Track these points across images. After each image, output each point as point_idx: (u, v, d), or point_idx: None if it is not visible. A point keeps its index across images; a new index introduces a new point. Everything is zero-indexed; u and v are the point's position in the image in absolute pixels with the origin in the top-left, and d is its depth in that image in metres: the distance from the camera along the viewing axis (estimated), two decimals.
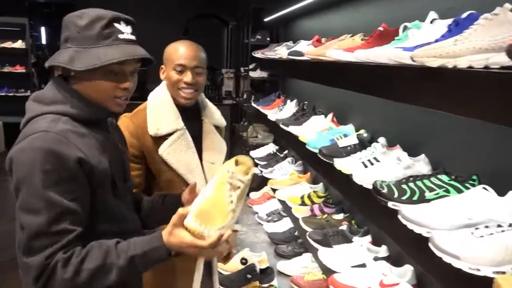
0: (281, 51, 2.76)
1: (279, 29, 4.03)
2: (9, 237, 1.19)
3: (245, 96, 4.42)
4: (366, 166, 1.64)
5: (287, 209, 2.70)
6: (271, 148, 3.69)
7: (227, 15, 6.15)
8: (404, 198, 1.29)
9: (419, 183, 1.30)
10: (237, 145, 4.94)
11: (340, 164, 1.70)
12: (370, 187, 1.47)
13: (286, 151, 3.55)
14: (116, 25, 1.05)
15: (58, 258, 0.94)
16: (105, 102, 1.10)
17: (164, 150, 1.54)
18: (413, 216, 1.16)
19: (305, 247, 2.83)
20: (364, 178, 1.52)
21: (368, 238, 1.97)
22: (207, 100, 1.75)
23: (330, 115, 2.27)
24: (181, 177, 1.57)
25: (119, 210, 1.16)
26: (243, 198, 1.18)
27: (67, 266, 0.94)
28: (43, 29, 10.73)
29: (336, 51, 1.75)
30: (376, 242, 1.97)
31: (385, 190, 1.34)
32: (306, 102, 2.81)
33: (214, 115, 1.71)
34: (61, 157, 0.96)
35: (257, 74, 4.16)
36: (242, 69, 4.68)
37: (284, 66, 2.87)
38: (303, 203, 2.57)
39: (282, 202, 2.82)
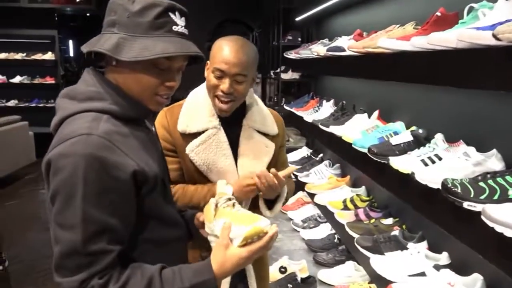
0: (317, 49, 2.64)
1: (311, 28, 3.91)
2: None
3: (275, 100, 4.31)
4: (426, 164, 1.49)
5: (327, 214, 2.56)
6: (304, 151, 3.56)
7: (252, 20, 6.09)
8: (482, 197, 1.14)
9: (500, 180, 1.14)
10: None
11: (397, 162, 1.56)
12: (436, 186, 1.32)
13: (321, 154, 3.41)
14: (171, 15, 0.93)
15: (93, 284, 0.81)
16: (144, 99, 0.97)
17: (191, 150, 1.40)
18: (501, 216, 1.01)
19: (347, 255, 2.68)
20: (428, 176, 1.38)
21: (425, 244, 1.81)
22: (256, 103, 1.52)
23: (376, 113, 2.12)
24: (210, 181, 1.43)
25: (170, 214, 1.04)
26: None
27: None
28: (70, 42, 11.00)
29: (390, 40, 1.61)
30: (433, 249, 1.80)
31: (458, 189, 1.19)
32: (344, 102, 2.67)
33: (258, 120, 1.48)
34: (106, 165, 0.84)
35: (289, 76, 4.04)
36: (271, 72, 4.57)
37: (321, 64, 2.75)
38: (345, 208, 2.42)
39: (322, 207, 2.67)
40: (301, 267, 2.49)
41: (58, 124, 0.93)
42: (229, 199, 1.08)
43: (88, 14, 8.35)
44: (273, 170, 1.33)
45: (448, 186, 1.22)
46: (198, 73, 1.56)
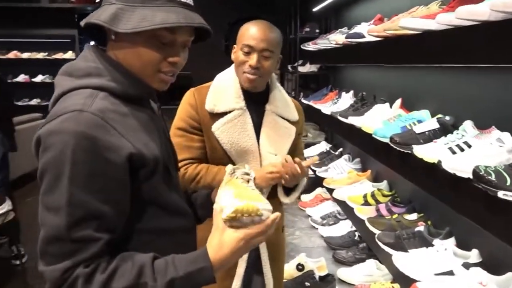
0: (336, 37, 2.53)
1: (329, 19, 3.78)
2: None
3: (293, 94, 4.20)
4: (454, 152, 1.37)
5: (347, 210, 2.44)
6: (323, 146, 3.44)
7: (268, 16, 5.99)
8: None
9: None
10: None
11: (421, 151, 1.44)
12: (466, 175, 1.20)
13: (341, 149, 3.28)
14: None
15: (78, 273, 0.73)
16: (146, 76, 0.89)
17: (218, 128, 1.44)
18: None
19: (368, 253, 2.56)
20: (456, 164, 1.25)
21: (452, 240, 1.68)
22: (278, 90, 1.57)
23: (399, 101, 2.00)
24: (232, 161, 1.46)
25: (175, 202, 0.95)
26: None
27: (90, 284, 0.73)
28: (91, 42, 11.14)
29: (413, 19, 1.50)
30: (462, 245, 1.67)
31: (492, 177, 1.07)
32: (364, 93, 2.54)
33: (280, 105, 1.54)
34: (98, 146, 0.76)
35: (306, 68, 3.92)
36: (289, 66, 4.46)
37: (340, 53, 2.63)
38: (366, 203, 2.30)
39: (341, 203, 2.56)
40: (319, 265, 2.39)
41: (54, 102, 0.86)
42: (247, 174, 1.01)
43: None
44: (297, 159, 1.37)
45: (481, 174, 1.10)
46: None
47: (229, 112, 1.45)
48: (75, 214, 0.74)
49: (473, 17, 1.16)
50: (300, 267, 2.37)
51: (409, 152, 1.52)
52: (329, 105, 2.88)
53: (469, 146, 1.35)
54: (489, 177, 1.07)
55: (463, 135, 1.39)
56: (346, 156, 2.99)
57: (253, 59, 1.41)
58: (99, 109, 0.79)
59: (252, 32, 1.42)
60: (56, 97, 0.86)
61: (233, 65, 1.52)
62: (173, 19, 0.82)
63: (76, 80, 0.86)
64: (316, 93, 3.43)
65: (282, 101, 1.57)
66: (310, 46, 3.19)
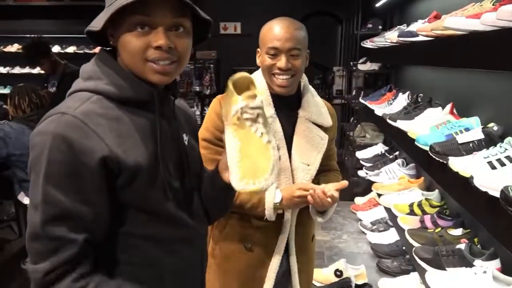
0: (391, 36, 2.39)
1: (393, 14, 3.58)
2: None
3: (354, 93, 4.06)
4: (494, 168, 1.23)
5: (393, 218, 2.31)
6: (379, 148, 3.29)
7: (341, 11, 5.82)
8: None
9: None
10: (344, 146, 4.60)
11: (457, 163, 1.32)
12: (497, 194, 1.08)
13: (397, 152, 3.12)
14: None
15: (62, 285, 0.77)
16: (139, 69, 0.86)
17: None
18: None
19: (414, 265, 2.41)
20: (491, 182, 1.13)
21: (496, 263, 1.53)
22: (311, 93, 1.47)
23: (449, 106, 1.84)
24: None
25: (170, 212, 0.92)
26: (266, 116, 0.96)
27: None
28: None
29: (456, 19, 1.37)
30: (507, 270, 1.51)
31: None
32: (421, 94, 2.38)
33: (313, 111, 1.44)
34: (73, 147, 0.77)
35: (367, 67, 3.76)
36: (351, 63, 4.31)
37: (395, 52, 2.49)
38: (411, 212, 2.17)
39: (388, 210, 2.43)
40: (358, 273, 2.31)
41: None
42: (258, 108, 0.92)
43: None
44: (328, 189, 1.27)
45: (509, 195, 0.98)
46: None
47: None
48: (50, 211, 0.77)
49: None
50: (338, 273, 2.31)
51: (445, 162, 1.40)
52: (383, 106, 2.74)
53: None
54: None
55: (506, 149, 1.25)
56: (399, 161, 2.83)
57: (282, 61, 1.31)
58: (83, 112, 0.81)
59: (275, 32, 1.32)
60: (67, 97, 0.90)
61: (259, 70, 1.43)
62: None
63: (82, 82, 0.89)
64: (375, 93, 3.28)
65: (315, 106, 1.46)
66: (367, 44, 3.05)
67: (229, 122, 0.94)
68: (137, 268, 0.90)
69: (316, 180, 1.45)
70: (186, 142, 1.01)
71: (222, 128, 1.27)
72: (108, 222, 0.84)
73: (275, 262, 1.42)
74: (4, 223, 3.66)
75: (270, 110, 1.38)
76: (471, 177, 1.19)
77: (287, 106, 1.42)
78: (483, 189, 1.14)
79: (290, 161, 1.40)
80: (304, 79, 1.47)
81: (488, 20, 1.19)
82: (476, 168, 1.23)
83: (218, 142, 1.35)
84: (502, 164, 1.22)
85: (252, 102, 0.91)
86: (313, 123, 1.44)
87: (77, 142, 0.78)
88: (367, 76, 4.66)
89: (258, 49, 1.40)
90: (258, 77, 1.42)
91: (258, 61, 1.40)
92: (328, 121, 1.48)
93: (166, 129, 0.94)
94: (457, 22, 1.36)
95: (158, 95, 0.90)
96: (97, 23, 0.84)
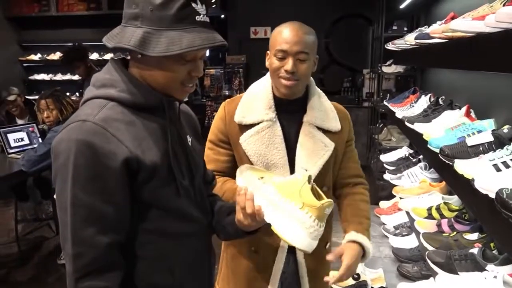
0: (410, 38, 2.37)
1: (419, 16, 3.52)
2: None
3: (381, 95, 4.02)
4: (499, 170, 1.22)
5: (412, 222, 2.29)
6: (403, 151, 3.24)
7: (371, 13, 5.75)
8: None
9: None
10: (371, 149, 4.54)
11: (462, 166, 1.31)
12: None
13: (421, 156, 3.06)
14: (193, 4, 0.90)
15: None
16: (171, 90, 0.97)
17: (245, 140, 1.39)
18: None
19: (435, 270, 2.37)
20: (491, 185, 1.13)
21: (509, 268, 1.49)
22: (318, 96, 1.45)
23: (464, 109, 1.82)
24: None
25: (182, 208, 1.01)
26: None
27: None
28: None
29: (461, 21, 1.37)
30: None
31: None
32: (443, 97, 2.34)
33: (319, 116, 1.41)
34: (96, 152, 0.84)
35: (392, 69, 3.72)
36: (379, 66, 4.27)
37: (414, 54, 2.46)
38: (429, 216, 2.14)
39: (408, 214, 2.40)
40: (376, 277, 2.30)
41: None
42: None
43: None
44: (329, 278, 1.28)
45: (503, 198, 0.98)
46: None
47: (258, 123, 1.39)
48: (79, 213, 0.84)
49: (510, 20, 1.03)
50: (355, 276, 2.31)
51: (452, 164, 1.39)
52: (406, 109, 2.71)
53: None
54: (511, 203, 0.95)
55: None
56: (422, 164, 2.78)
57: (289, 63, 1.31)
58: (102, 118, 0.88)
59: (284, 35, 1.32)
60: (81, 104, 0.98)
61: (268, 74, 1.44)
62: (198, 42, 0.89)
63: (95, 90, 0.97)
64: (399, 95, 3.24)
65: (321, 110, 1.43)
66: (390, 46, 3.03)
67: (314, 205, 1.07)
68: (149, 262, 0.98)
69: (336, 201, 1.49)
70: (190, 143, 1.09)
71: (224, 131, 1.43)
72: (131, 222, 0.92)
73: (279, 264, 1.43)
74: (43, 221, 3.91)
75: (270, 114, 1.39)
76: (472, 180, 1.19)
77: (292, 110, 1.41)
78: (484, 192, 1.13)
79: (290, 165, 1.39)
80: (312, 82, 1.46)
81: (491, 22, 1.18)
82: (478, 171, 1.22)
83: (220, 144, 1.44)
84: (508, 167, 1.21)
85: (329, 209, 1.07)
86: (319, 128, 1.41)
87: (100, 147, 0.85)
88: (399, 79, 4.59)
89: (268, 52, 1.40)
90: (264, 80, 1.46)
91: (267, 63, 1.40)
92: (336, 125, 1.43)
93: (174, 132, 1.02)
94: (462, 24, 1.36)
95: (167, 101, 0.99)
96: (145, 47, 0.90)
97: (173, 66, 0.93)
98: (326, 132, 1.42)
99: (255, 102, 1.42)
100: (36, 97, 3.23)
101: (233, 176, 1.39)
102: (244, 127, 1.40)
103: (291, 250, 1.44)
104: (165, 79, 0.95)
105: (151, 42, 0.88)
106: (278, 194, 1.10)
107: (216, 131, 1.44)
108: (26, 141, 3.42)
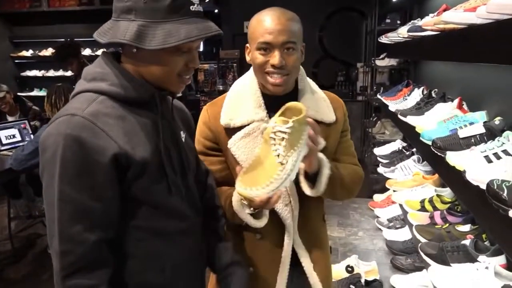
0: (402, 31, 2.37)
1: (413, 8, 3.52)
2: None
3: (374, 89, 4.02)
4: (490, 161, 1.22)
5: (405, 214, 2.30)
6: (397, 145, 3.25)
7: (366, 6, 5.74)
8: None
9: None
10: (365, 143, 4.56)
11: (454, 158, 1.32)
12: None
13: (414, 149, 3.07)
14: None
15: None
16: (168, 82, 0.95)
17: (234, 143, 1.24)
18: None
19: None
20: (482, 176, 1.13)
21: (500, 259, 1.50)
22: (309, 87, 1.32)
23: (456, 101, 1.82)
24: None
25: (174, 206, 0.99)
26: (301, 144, 1.05)
27: None
28: None
29: (453, 12, 1.36)
30: None
31: (504, 193, 0.95)
32: (436, 90, 2.35)
33: (311, 107, 1.27)
34: (85, 147, 0.82)
35: (385, 62, 3.72)
36: (372, 59, 4.27)
37: (407, 47, 2.46)
38: (422, 209, 2.15)
39: (401, 206, 2.41)
40: (369, 269, 2.31)
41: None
42: (284, 132, 1.03)
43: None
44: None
45: (494, 189, 0.98)
46: None
47: (248, 124, 1.24)
48: (66, 209, 0.82)
49: (505, 11, 1.03)
50: (349, 269, 2.32)
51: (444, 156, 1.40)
52: (399, 102, 2.71)
53: (509, 155, 1.20)
54: (501, 193, 0.95)
55: (503, 143, 1.24)
56: (415, 157, 2.79)
57: (275, 57, 1.14)
58: (91, 113, 0.86)
59: (266, 25, 1.14)
60: (71, 98, 0.96)
61: (251, 69, 1.29)
62: (195, 32, 0.87)
63: (85, 83, 0.94)
64: (393, 88, 3.25)
65: (314, 101, 1.30)
66: (383, 39, 3.03)
67: (263, 135, 1.08)
68: (140, 260, 0.96)
69: None
70: (183, 139, 1.07)
71: (210, 136, 1.30)
72: (119, 218, 0.90)
73: (287, 245, 1.31)
74: (36, 219, 3.88)
75: (260, 113, 1.25)
76: (464, 171, 1.19)
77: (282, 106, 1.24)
78: (475, 183, 1.14)
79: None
80: (302, 71, 1.31)
81: (482, 13, 1.18)
82: (470, 162, 1.23)
83: (210, 152, 1.30)
84: (498, 158, 1.21)
85: (280, 126, 1.03)
86: (316, 120, 1.24)
87: (88, 142, 0.83)
88: (393, 72, 4.59)
89: (247, 45, 1.23)
90: (248, 77, 1.31)
91: (248, 58, 1.24)
92: (329, 116, 1.30)
93: (167, 127, 0.99)
94: (453, 16, 1.35)
95: (159, 95, 0.96)
96: (141, 41, 0.87)
97: (170, 58, 0.91)
98: (320, 124, 1.26)
99: (242, 102, 1.28)
100: (29, 94, 3.18)
101: (232, 182, 1.23)
102: (232, 130, 1.26)
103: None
104: (162, 72, 0.93)
105: (147, 35, 0.86)
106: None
107: (202, 139, 1.30)
108: (18, 138, 3.39)
